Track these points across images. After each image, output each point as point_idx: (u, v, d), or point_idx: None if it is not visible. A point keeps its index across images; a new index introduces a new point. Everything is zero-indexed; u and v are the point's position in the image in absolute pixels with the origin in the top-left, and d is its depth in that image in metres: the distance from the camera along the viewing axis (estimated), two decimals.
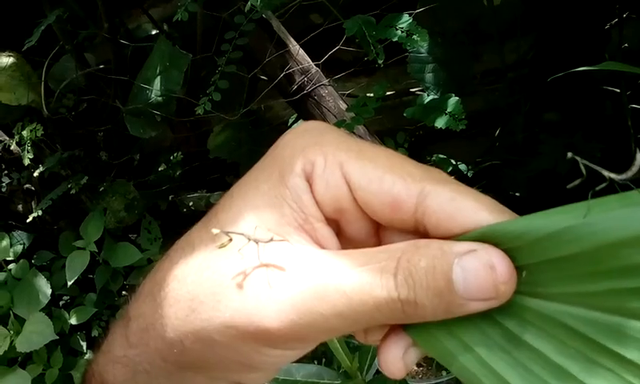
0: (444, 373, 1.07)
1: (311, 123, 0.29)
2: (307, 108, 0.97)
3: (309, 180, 0.27)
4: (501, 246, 0.24)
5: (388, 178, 0.26)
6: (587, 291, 0.23)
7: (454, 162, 1.07)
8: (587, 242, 0.22)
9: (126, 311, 0.30)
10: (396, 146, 1.03)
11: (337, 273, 0.25)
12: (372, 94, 0.87)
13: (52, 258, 1.28)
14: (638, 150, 0.23)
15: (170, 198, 1.31)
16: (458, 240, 0.25)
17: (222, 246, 0.26)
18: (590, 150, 1.09)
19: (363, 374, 0.60)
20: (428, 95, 0.95)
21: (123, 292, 1.33)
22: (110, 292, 1.25)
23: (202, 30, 0.95)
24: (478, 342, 0.25)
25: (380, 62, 0.73)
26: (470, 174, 1.09)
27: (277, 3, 0.77)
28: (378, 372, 0.79)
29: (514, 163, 1.19)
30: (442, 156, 1.08)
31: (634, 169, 0.23)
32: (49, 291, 1.09)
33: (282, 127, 1.36)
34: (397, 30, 0.80)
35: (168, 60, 0.92)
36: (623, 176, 0.23)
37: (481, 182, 1.23)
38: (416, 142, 1.18)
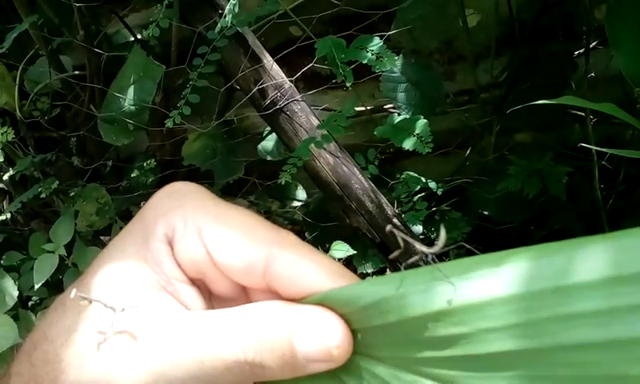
0: None
1: (177, 184, 0.30)
2: (279, 122, 0.98)
3: (170, 243, 0.28)
4: (338, 310, 0.25)
5: (241, 243, 0.27)
6: (407, 357, 0.24)
7: (424, 180, 1.09)
8: (399, 314, 0.24)
9: (9, 369, 0.30)
10: (366, 163, 1.04)
11: (189, 338, 0.26)
12: (342, 111, 0.88)
13: (22, 259, 1.27)
14: (442, 227, 0.25)
15: (142, 203, 1.31)
16: (304, 303, 0.26)
17: (85, 306, 0.27)
18: (557, 173, 1.12)
19: None
20: (400, 114, 0.97)
21: None
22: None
23: (177, 42, 0.96)
24: None
25: (348, 84, 0.74)
26: (439, 192, 1.10)
27: (251, 20, 0.77)
28: None
29: (484, 183, 1.21)
30: (411, 173, 1.09)
31: (440, 244, 0.24)
32: (15, 293, 1.09)
33: (257, 137, 1.37)
34: (367, 52, 0.81)
35: (142, 70, 0.92)
36: (432, 250, 0.24)
37: (451, 199, 1.25)
38: (387, 158, 1.20)
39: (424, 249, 0.25)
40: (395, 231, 0.26)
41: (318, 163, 0.99)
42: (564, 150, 1.18)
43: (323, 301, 0.26)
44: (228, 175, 1.27)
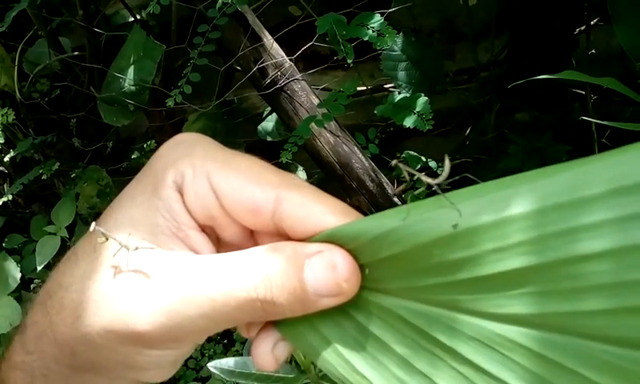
0: None
1: (184, 135, 0.31)
2: (280, 102, 0.98)
3: (180, 191, 0.29)
4: (345, 246, 0.26)
5: (248, 186, 0.28)
6: (414, 286, 0.25)
7: (424, 159, 1.09)
8: (407, 243, 0.24)
9: (23, 320, 0.31)
10: (367, 142, 1.04)
11: (202, 277, 0.27)
12: (343, 90, 0.88)
13: (23, 241, 1.27)
14: (447, 157, 0.25)
15: None
16: (311, 241, 0.27)
17: (97, 255, 0.28)
18: (557, 151, 1.12)
19: (317, 368, 0.61)
20: (400, 93, 0.97)
21: None
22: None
23: (176, 21, 0.96)
24: (335, 336, 0.27)
25: (349, 61, 0.74)
26: (439, 171, 1.11)
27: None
28: None
29: (484, 161, 1.21)
30: (411, 153, 1.10)
31: (445, 173, 0.25)
32: (18, 275, 1.09)
33: (257, 118, 1.37)
34: (368, 29, 0.81)
35: (142, 50, 0.92)
36: (437, 180, 0.25)
37: (451, 178, 1.25)
38: (387, 138, 1.20)
39: (429, 180, 0.25)
40: (400, 165, 0.27)
41: (319, 142, 0.99)
42: (564, 129, 1.19)
43: (331, 238, 0.27)
44: None
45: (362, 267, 0.26)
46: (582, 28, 1.08)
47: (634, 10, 0.73)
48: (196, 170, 0.29)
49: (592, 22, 1.01)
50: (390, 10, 0.92)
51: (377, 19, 0.81)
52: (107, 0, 1.16)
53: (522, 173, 0.22)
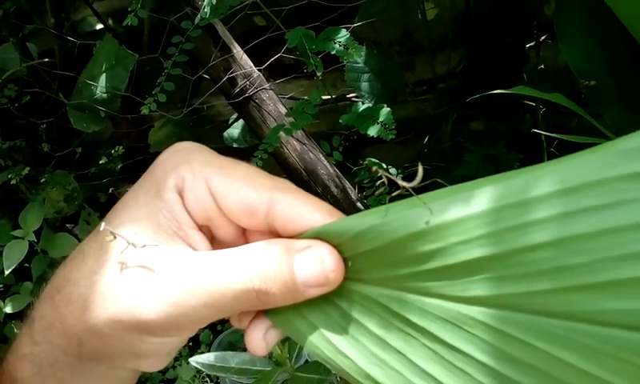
0: None
1: (182, 144, 0.34)
2: (248, 110, 1.02)
3: (180, 193, 0.32)
4: (331, 242, 0.30)
5: (244, 189, 0.31)
6: (391, 276, 0.29)
7: (385, 166, 1.14)
8: (386, 238, 0.28)
9: (31, 313, 0.34)
10: (331, 150, 1.08)
11: (203, 271, 0.30)
12: (309, 99, 0.93)
13: None
14: (420, 164, 0.30)
15: (110, 190, 1.33)
16: (300, 238, 0.31)
17: (103, 251, 0.31)
18: (510, 159, 1.19)
19: (292, 361, 0.65)
20: (363, 103, 1.02)
21: None
22: (47, 281, 1.26)
23: (148, 32, 0.98)
24: (321, 321, 0.31)
25: (319, 74, 0.78)
26: (400, 177, 1.16)
27: (224, 11, 0.81)
28: (306, 361, 0.85)
29: (441, 169, 1.27)
30: (373, 160, 1.14)
31: (418, 178, 0.30)
32: None
33: (222, 125, 1.39)
34: (335, 43, 0.85)
35: (114, 58, 0.94)
36: (411, 184, 0.29)
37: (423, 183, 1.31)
38: (350, 145, 1.25)
39: (404, 184, 0.30)
40: (380, 170, 0.32)
41: (286, 150, 1.03)
42: (516, 138, 1.25)
43: (318, 235, 0.30)
44: None
45: (345, 260, 0.30)
46: (532, 44, 1.15)
47: (578, 32, 0.80)
48: (195, 175, 0.32)
49: (541, 39, 1.08)
50: (355, 25, 0.97)
51: (343, 34, 0.86)
52: (76, 7, 1.18)
53: (483, 178, 0.27)
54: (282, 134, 0.96)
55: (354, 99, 1.26)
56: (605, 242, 0.24)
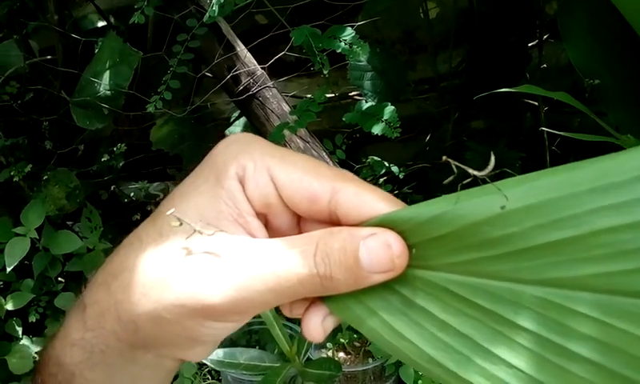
0: (370, 360, 1.14)
1: (240, 135, 0.35)
2: (252, 108, 1.02)
3: (241, 182, 0.32)
4: (395, 229, 0.30)
5: (306, 178, 0.32)
6: (460, 261, 0.29)
7: (387, 164, 1.15)
8: (457, 223, 0.28)
9: (81, 300, 0.34)
10: (334, 148, 1.09)
11: (267, 256, 0.31)
12: (313, 97, 0.93)
13: None
14: (492, 153, 0.30)
15: (112, 188, 1.33)
16: (363, 226, 0.31)
17: (175, 226, 0.31)
18: (511, 158, 1.19)
19: (300, 357, 0.65)
20: (366, 101, 1.02)
21: (59, 278, 1.33)
22: (48, 278, 1.25)
23: (152, 30, 0.98)
24: (381, 307, 0.31)
25: (325, 72, 0.78)
26: (401, 176, 1.16)
27: (229, 10, 0.81)
28: (308, 358, 0.85)
29: (443, 167, 1.28)
30: (376, 158, 1.15)
31: (490, 167, 0.30)
32: None
33: (223, 122, 1.40)
34: (340, 41, 0.85)
35: (118, 56, 0.94)
36: (483, 173, 0.29)
37: (411, 183, 1.31)
38: (353, 143, 1.25)
39: (476, 173, 0.30)
40: (450, 160, 0.31)
41: (289, 148, 1.03)
42: (517, 136, 1.26)
43: (381, 223, 0.30)
44: (196, 160, 1.29)
45: (409, 247, 0.30)
46: (535, 43, 1.16)
47: (582, 31, 0.80)
48: (257, 164, 0.32)
49: (543, 38, 1.08)
50: (359, 23, 0.98)
51: (348, 32, 0.86)
52: (78, 4, 1.18)
53: (557, 166, 0.27)
54: (285, 131, 0.96)
55: (356, 97, 1.26)
56: None
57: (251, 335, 1.29)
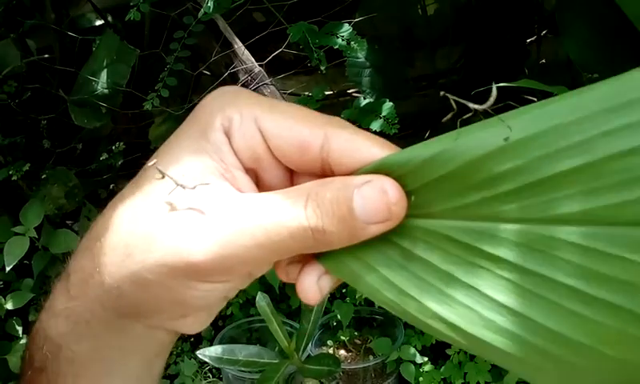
0: (371, 357, 1.14)
1: (227, 88, 0.33)
2: None
3: (227, 134, 0.30)
4: (391, 175, 0.28)
5: (296, 127, 0.30)
6: (462, 204, 0.27)
7: None
8: (458, 160, 0.26)
9: (65, 268, 0.32)
10: None
11: (255, 209, 0.29)
12: (311, 95, 0.93)
13: None
14: (494, 83, 0.28)
15: (111, 186, 1.33)
16: (357, 174, 0.29)
17: (158, 178, 0.29)
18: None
19: (299, 354, 0.65)
20: (364, 98, 1.02)
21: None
22: (48, 278, 1.25)
23: (149, 26, 0.98)
24: (379, 262, 0.29)
25: (323, 68, 0.78)
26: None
27: (226, 7, 0.81)
28: (309, 355, 0.85)
29: None
30: None
31: (492, 99, 0.27)
32: None
33: None
34: (338, 37, 0.85)
35: (115, 54, 0.94)
36: (484, 106, 0.27)
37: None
38: None
39: (476, 106, 0.28)
40: (448, 95, 0.29)
41: None
42: None
43: (376, 169, 0.28)
44: None
45: (407, 194, 0.28)
46: (533, 39, 1.16)
47: (580, 25, 0.80)
48: (243, 115, 0.30)
49: (542, 34, 1.08)
50: (357, 20, 0.98)
51: (346, 29, 0.86)
52: (75, 3, 1.17)
53: (565, 93, 0.25)
54: None
55: (354, 94, 1.26)
56: None
57: (252, 333, 1.30)
